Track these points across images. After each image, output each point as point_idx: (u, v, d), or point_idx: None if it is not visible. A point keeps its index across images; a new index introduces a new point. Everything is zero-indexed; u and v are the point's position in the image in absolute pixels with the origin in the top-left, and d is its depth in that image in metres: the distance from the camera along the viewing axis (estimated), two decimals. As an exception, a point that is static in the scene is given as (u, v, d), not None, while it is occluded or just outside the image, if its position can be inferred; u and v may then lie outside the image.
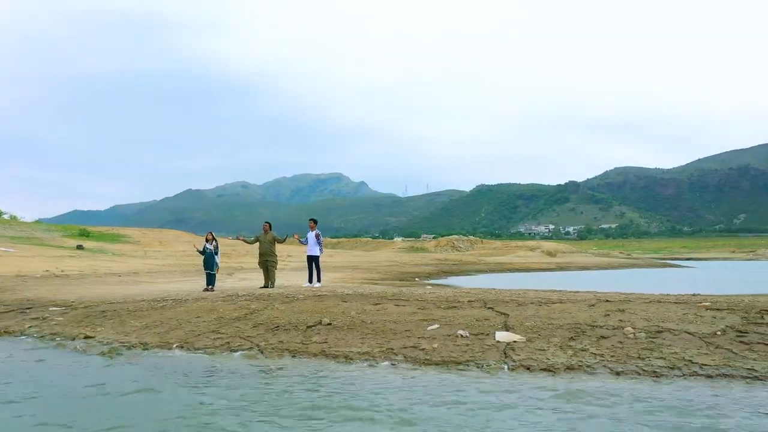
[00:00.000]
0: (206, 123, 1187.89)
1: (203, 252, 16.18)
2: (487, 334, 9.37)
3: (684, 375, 7.46)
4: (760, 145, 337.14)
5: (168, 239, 54.85)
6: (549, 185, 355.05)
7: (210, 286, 15.88)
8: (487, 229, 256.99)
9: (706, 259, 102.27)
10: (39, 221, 69.04)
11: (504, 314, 10.42)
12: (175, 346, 10.02)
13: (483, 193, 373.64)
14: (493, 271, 48.85)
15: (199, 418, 6.18)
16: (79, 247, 40.39)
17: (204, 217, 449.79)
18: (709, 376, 7.38)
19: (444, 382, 7.50)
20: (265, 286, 15.91)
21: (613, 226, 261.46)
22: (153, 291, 16.69)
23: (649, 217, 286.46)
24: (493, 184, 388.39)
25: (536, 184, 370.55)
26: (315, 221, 16.31)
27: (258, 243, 16.31)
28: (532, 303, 11.27)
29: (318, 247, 16.05)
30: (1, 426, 6.01)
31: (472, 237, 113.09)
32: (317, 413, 6.29)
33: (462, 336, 9.36)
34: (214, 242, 16.28)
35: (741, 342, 8.46)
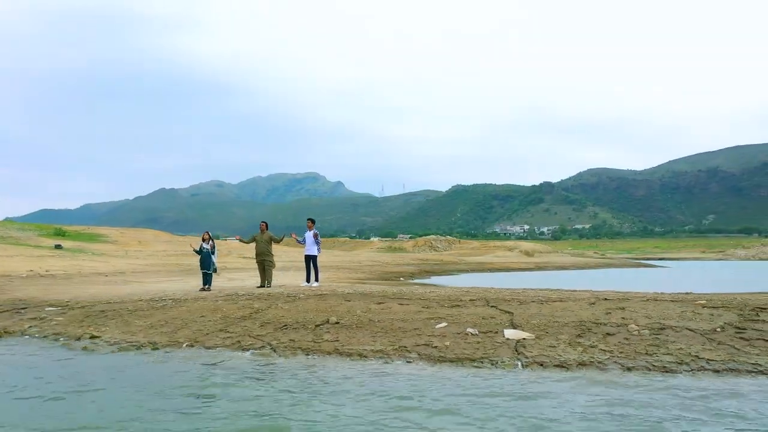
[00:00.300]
0: (181, 121, 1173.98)
1: (200, 251, 16.12)
2: (496, 332, 9.58)
3: (693, 370, 7.77)
4: (727, 148, 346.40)
5: (147, 239, 54.19)
6: (524, 186, 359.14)
7: (206, 286, 15.83)
8: (463, 229, 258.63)
9: (678, 259, 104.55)
10: (10, 220, 67.70)
11: (509, 312, 10.65)
12: (185, 345, 10.04)
13: (459, 193, 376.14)
14: (474, 270, 49.35)
15: (276, 410, 6.39)
16: (58, 247, 39.76)
17: (177, 217, 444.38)
18: (716, 371, 7.70)
19: (467, 376, 7.72)
20: (262, 285, 15.92)
21: (587, 226, 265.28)
22: (146, 291, 16.57)
23: (621, 218, 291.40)
24: (468, 184, 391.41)
25: (511, 184, 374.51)
26: (313, 221, 16.36)
27: (254, 243, 16.30)
28: (533, 301, 11.53)
29: (316, 247, 16.09)
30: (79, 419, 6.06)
31: (449, 237, 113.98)
32: (365, 402, 6.52)
33: (472, 334, 9.55)
34: (210, 242, 16.23)
35: (741, 338, 8.82)
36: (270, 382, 7.64)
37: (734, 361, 7.93)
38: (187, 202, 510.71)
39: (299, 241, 16.37)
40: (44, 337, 11.18)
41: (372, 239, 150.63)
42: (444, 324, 10.11)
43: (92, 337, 10.73)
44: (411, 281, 33.28)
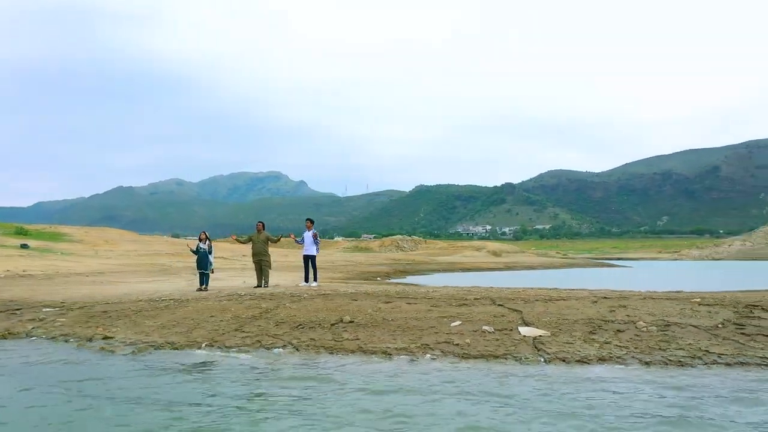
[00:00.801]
0: (140, 118, 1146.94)
1: (197, 252, 16.05)
2: (511, 330, 9.91)
3: (706, 363, 8.24)
4: (680, 152, 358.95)
5: (113, 238, 53.03)
6: (486, 186, 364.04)
7: (203, 286, 15.78)
8: (426, 230, 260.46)
9: (637, 259, 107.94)
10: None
11: (517, 311, 11.00)
12: (204, 345, 10.04)
13: (422, 193, 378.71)
14: (446, 270, 49.97)
15: (353, 403, 6.64)
16: (24, 246, 38.58)
17: (135, 215, 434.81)
18: (728, 365, 8.19)
19: (499, 370, 8.02)
20: (258, 285, 15.94)
21: (547, 227, 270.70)
22: (141, 291, 16.38)
23: (580, 219, 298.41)
24: (432, 184, 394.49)
25: (474, 185, 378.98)
26: (312, 221, 16.45)
27: (251, 243, 16.30)
28: (537, 300, 11.92)
29: (315, 247, 16.19)
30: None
31: (415, 237, 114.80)
32: (426, 390, 6.85)
33: (488, 331, 9.86)
34: (207, 242, 16.16)
35: (743, 333, 9.37)
36: (321, 378, 7.79)
37: (743, 355, 8.45)
38: (146, 201, 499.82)
39: (298, 242, 16.43)
40: (52, 338, 11.00)
41: (336, 239, 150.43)
42: (458, 322, 10.39)
43: (105, 337, 10.62)
44: (388, 281, 33.56)
